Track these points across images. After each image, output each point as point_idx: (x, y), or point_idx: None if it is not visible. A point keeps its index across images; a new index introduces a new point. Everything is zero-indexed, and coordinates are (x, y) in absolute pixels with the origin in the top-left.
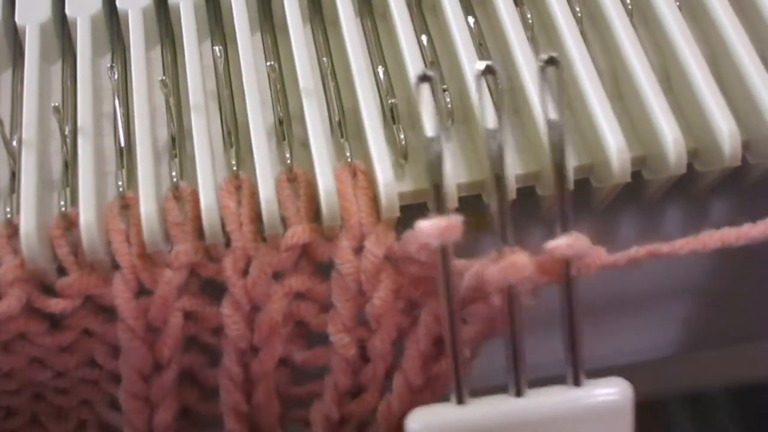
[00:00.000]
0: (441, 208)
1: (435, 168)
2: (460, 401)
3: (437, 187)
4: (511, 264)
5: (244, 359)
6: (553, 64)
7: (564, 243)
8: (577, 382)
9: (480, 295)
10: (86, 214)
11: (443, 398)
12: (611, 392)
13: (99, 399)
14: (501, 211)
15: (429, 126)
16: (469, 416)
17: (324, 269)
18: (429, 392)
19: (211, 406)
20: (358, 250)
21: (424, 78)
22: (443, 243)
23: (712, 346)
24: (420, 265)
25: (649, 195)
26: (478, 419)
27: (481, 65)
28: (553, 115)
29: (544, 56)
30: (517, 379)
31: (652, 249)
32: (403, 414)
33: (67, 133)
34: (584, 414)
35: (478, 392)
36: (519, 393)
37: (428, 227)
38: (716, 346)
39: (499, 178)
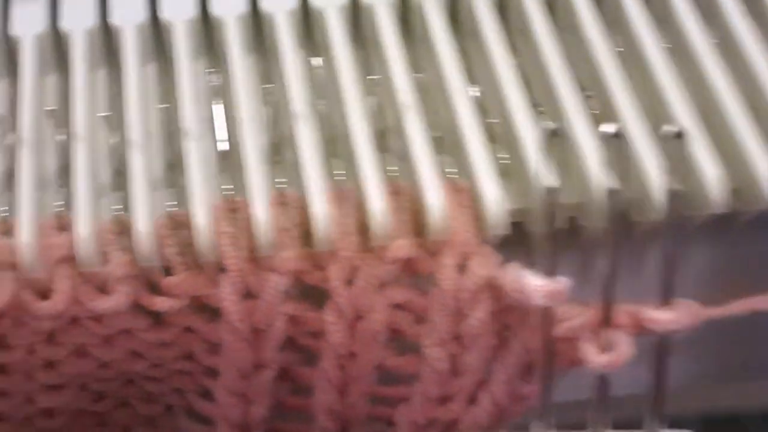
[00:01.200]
0: (552, 270)
1: (548, 218)
2: None
3: (550, 238)
4: (614, 358)
5: (342, 362)
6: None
7: (667, 318)
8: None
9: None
10: (199, 217)
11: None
12: None
13: (191, 389)
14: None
15: (546, 177)
16: None
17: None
18: (513, 410)
19: (301, 400)
20: (461, 268)
21: (551, 132)
22: (547, 305)
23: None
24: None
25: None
26: None
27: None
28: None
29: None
30: (601, 417)
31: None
32: (486, 427)
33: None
34: None
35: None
36: None
37: (535, 287)
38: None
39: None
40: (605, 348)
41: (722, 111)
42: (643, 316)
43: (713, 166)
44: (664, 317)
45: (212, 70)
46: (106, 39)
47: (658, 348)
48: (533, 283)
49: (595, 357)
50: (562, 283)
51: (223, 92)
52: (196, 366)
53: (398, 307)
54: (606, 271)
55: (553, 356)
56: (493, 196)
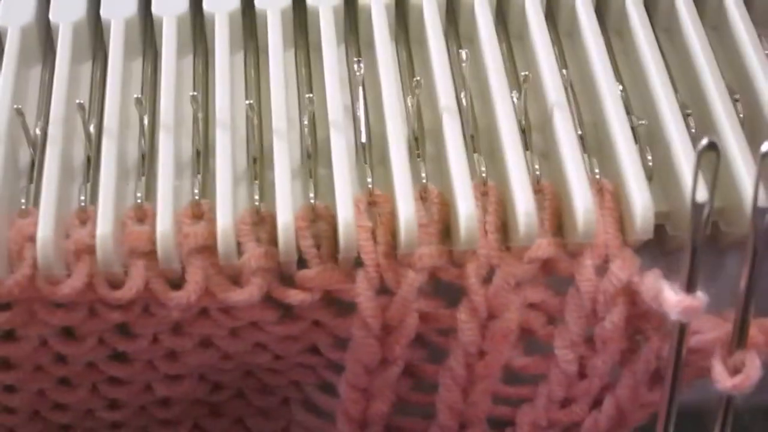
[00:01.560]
0: (692, 284)
1: (697, 234)
2: None
3: (695, 252)
4: (741, 380)
5: (470, 361)
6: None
7: None
8: None
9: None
10: (344, 210)
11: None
12: None
13: (311, 382)
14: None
15: (700, 192)
16: None
17: None
18: (636, 416)
19: (422, 396)
20: (600, 270)
21: (710, 146)
22: (682, 320)
23: None
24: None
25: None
26: None
27: (704, 142)
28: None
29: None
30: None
31: None
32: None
33: (306, 123)
34: None
35: None
36: None
37: (672, 301)
38: None
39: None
40: (735, 369)
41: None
42: None
43: None
44: None
45: (356, 59)
46: (248, 22)
47: None
48: (671, 298)
49: (723, 379)
50: (699, 299)
51: (365, 82)
52: (320, 360)
53: (532, 307)
54: (743, 285)
55: (683, 367)
56: (643, 202)
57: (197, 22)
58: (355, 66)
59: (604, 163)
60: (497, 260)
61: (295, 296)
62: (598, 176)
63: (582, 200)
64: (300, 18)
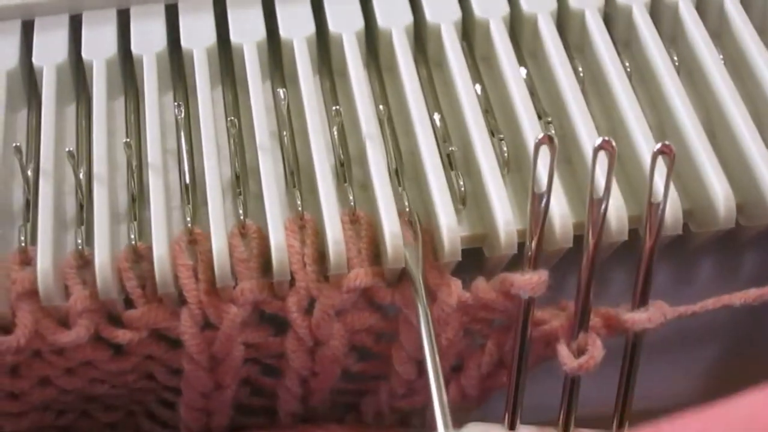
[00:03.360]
0: (535, 265)
1: (535, 225)
2: (512, 427)
3: (538, 244)
4: (586, 361)
5: (304, 379)
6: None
7: (641, 318)
8: None
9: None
10: (159, 249)
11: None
12: None
13: (152, 400)
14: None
15: (537, 185)
16: None
17: None
18: (479, 398)
19: (261, 400)
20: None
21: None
22: (530, 296)
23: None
24: (488, 309)
25: (691, 248)
26: None
27: (598, 141)
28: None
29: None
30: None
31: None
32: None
33: (134, 167)
34: None
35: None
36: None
37: (521, 281)
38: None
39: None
40: (579, 351)
41: (730, 126)
42: (618, 317)
43: (720, 182)
44: (638, 317)
45: (180, 102)
46: (77, 74)
47: (631, 347)
48: (520, 279)
49: (570, 361)
50: (542, 274)
51: (190, 124)
52: (157, 384)
53: (361, 330)
54: (583, 276)
55: (528, 352)
56: (448, 224)
57: (28, 75)
58: (176, 110)
59: (420, 191)
60: (316, 291)
61: (122, 336)
62: (407, 208)
63: (388, 226)
64: (128, 66)
